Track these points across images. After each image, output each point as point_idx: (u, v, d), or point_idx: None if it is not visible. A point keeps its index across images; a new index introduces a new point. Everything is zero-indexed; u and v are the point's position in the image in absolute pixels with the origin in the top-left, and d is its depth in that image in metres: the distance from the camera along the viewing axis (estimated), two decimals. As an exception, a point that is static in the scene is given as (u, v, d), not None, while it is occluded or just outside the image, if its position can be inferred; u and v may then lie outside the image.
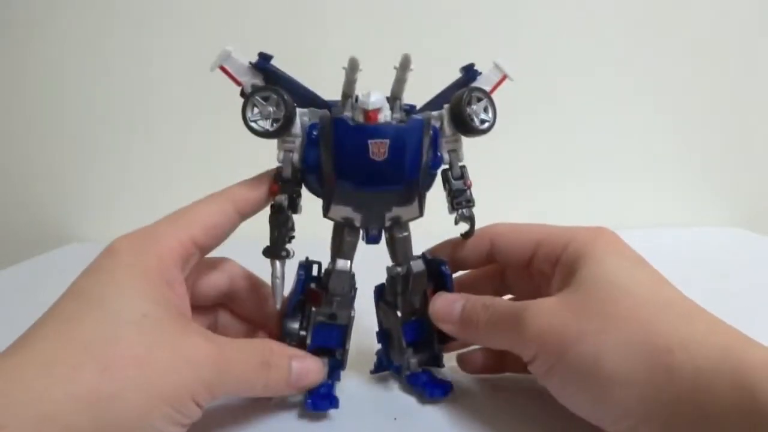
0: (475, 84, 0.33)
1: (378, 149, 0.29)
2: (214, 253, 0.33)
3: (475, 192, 0.35)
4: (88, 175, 0.86)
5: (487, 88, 0.33)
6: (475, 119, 0.32)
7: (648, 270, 0.30)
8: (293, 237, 0.32)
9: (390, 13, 0.80)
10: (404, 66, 0.29)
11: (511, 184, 0.84)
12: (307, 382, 0.32)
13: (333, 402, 0.32)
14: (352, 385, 0.36)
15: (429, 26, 0.80)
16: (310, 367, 0.32)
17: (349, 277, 0.34)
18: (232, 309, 0.36)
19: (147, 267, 0.28)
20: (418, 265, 0.35)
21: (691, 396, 0.23)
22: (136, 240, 0.29)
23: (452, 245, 0.37)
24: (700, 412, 0.23)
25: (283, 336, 0.33)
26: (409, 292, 0.35)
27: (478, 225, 0.35)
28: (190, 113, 0.81)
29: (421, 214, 0.33)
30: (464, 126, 0.32)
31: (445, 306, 0.33)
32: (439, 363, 0.36)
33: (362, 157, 0.30)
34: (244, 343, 0.31)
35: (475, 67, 0.34)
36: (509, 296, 0.38)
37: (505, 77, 0.33)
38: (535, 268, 0.34)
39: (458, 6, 0.79)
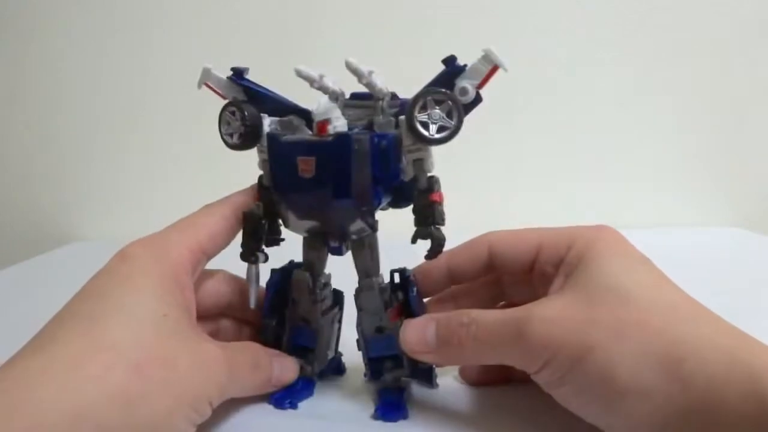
0: (462, 78, 0.29)
1: (306, 166, 0.29)
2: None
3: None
4: (87, 174, 0.86)
5: (476, 82, 0.29)
6: (430, 126, 0.28)
7: (652, 270, 0.29)
8: (282, 239, 0.34)
9: (389, 5, 0.80)
10: (355, 73, 0.28)
11: (510, 184, 0.84)
12: (285, 380, 0.34)
13: (292, 404, 0.33)
14: (350, 385, 0.36)
15: (425, 19, 0.80)
16: (287, 366, 0.34)
17: (307, 286, 0.34)
18: (234, 316, 0.37)
19: (162, 272, 0.29)
20: (368, 285, 0.33)
21: (703, 405, 0.23)
22: (150, 246, 0.30)
23: (447, 256, 0.35)
24: (712, 421, 0.23)
25: (260, 333, 0.35)
26: (364, 310, 0.33)
27: (475, 230, 0.34)
28: (188, 113, 0.80)
29: (372, 230, 0.32)
30: (415, 135, 0.29)
31: (416, 335, 0.31)
32: (430, 382, 0.34)
33: (292, 173, 0.30)
34: (238, 346, 0.32)
35: (457, 62, 0.29)
36: (502, 303, 0.37)
37: (496, 68, 0.28)
38: (537, 271, 0.33)
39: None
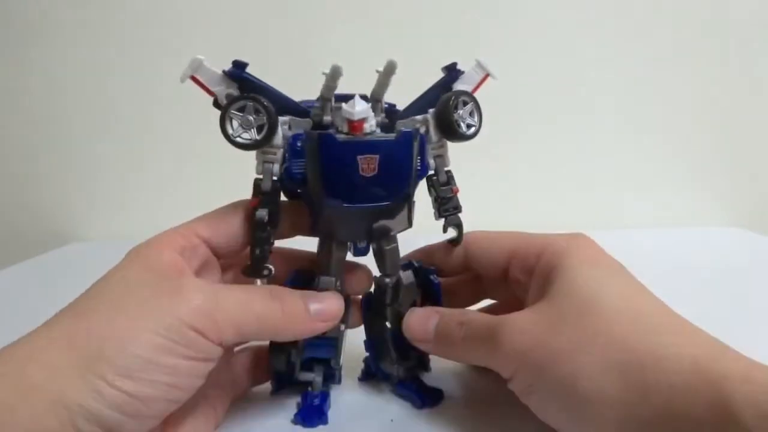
0: (458, 83, 0.32)
1: (367, 165, 0.28)
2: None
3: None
4: (88, 175, 0.86)
5: (470, 88, 0.32)
6: (462, 124, 0.31)
7: (623, 279, 0.29)
8: (271, 251, 0.31)
9: (382, 10, 0.80)
10: (388, 72, 0.28)
11: (511, 184, 0.84)
12: (331, 310, 0.30)
13: (322, 418, 0.32)
14: (346, 390, 0.36)
15: (423, 24, 0.80)
16: (330, 304, 0.30)
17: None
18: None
19: (162, 272, 0.27)
20: (407, 277, 0.34)
21: (666, 413, 0.23)
22: (144, 246, 0.29)
23: (427, 253, 0.36)
24: (676, 429, 0.23)
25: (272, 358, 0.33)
26: (398, 302, 0.34)
27: (473, 228, 0.35)
28: (188, 114, 0.80)
29: (409, 225, 0.32)
30: (451, 132, 0.31)
31: (419, 323, 0.32)
32: (426, 367, 0.36)
33: (351, 173, 0.28)
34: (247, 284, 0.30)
35: (458, 67, 0.32)
36: (490, 300, 0.38)
37: (487, 76, 0.32)
38: (511, 276, 0.33)
39: (456, 1, 0.79)
